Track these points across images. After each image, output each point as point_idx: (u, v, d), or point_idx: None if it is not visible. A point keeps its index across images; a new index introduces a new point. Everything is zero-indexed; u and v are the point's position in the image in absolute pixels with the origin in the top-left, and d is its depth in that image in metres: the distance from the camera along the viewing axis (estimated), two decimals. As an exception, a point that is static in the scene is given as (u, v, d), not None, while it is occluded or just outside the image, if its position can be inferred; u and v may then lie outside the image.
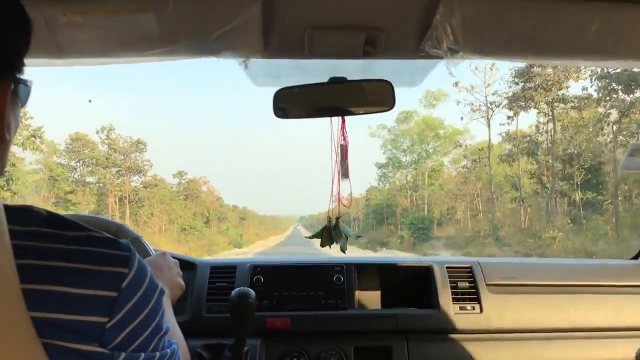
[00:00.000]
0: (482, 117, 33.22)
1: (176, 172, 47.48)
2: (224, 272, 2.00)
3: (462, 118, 36.03)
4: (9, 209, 0.62)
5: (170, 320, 1.07)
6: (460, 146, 38.24)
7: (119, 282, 0.67)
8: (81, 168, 36.10)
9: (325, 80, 1.58)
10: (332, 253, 2.00)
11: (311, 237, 1.79)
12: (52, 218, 0.69)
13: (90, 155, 35.64)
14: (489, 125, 33.28)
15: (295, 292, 1.95)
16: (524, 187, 31.02)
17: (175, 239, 35.98)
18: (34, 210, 0.69)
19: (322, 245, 1.74)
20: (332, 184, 1.69)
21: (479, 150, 35.61)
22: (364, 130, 46.03)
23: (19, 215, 0.66)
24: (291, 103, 1.65)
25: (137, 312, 0.69)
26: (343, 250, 1.76)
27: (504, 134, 31.09)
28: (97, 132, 36.12)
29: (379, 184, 50.36)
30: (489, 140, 34.21)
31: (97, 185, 36.28)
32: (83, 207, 32.45)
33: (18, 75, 0.73)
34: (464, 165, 40.73)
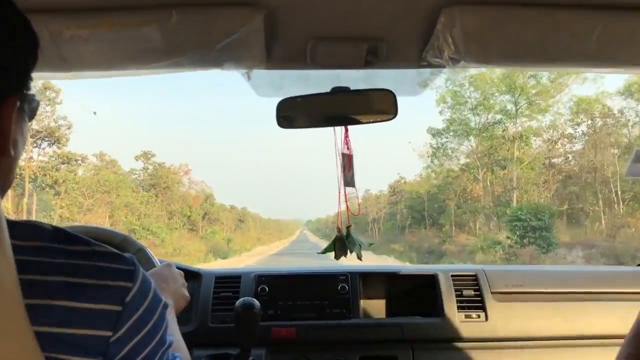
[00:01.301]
0: None
1: (140, 152, 35.21)
2: (229, 282, 2.00)
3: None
4: (13, 224, 0.63)
5: (174, 333, 1.08)
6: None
7: (123, 296, 0.68)
8: None
9: (328, 90, 1.59)
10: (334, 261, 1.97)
11: (324, 252, 1.78)
12: (57, 233, 0.70)
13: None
14: None
15: (300, 302, 1.95)
16: None
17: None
18: (39, 225, 0.70)
19: (337, 257, 1.73)
20: (339, 193, 1.69)
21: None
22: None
23: (24, 230, 0.67)
24: (294, 113, 1.66)
25: (141, 326, 0.70)
26: (359, 257, 1.75)
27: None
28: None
29: (432, 162, 32.97)
30: None
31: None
32: None
33: (25, 91, 0.73)
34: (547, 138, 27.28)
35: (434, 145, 32.18)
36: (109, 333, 0.66)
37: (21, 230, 0.65)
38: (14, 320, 0.54)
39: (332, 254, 1.76)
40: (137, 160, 35.09)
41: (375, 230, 54.34)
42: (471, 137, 30.42)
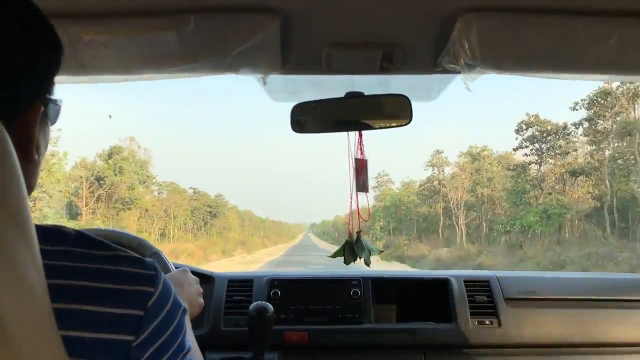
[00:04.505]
0: None
1: None
2: (242, 286, 2.01)
3: None
4: (39, 228, 0.63)
5: (190, 338, 1.08)
6: None
7: (145, 301, 0.68)
8: None
9: (342, 95, 1.59)
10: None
11: (333, 256, 1.78)
12: (80, 237, 0.70)
13: None
14: None
15: (313, 306, 1.95)
16: None
17: None
18: (63, 229, 0.71)
19: (346, 262, 1.73)
20: (351, 198, 1.69)
21: None
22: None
23: (49, 234, 0.67)
24: (308, 117, 1.67)
25: (162, 330, 0.70)
26: (367, 263, 1.75)
27: None
28: None
29: None
30: None
31: None
32: None
33: (48, 96, 0.74)
34: None
35: None
36: (132, 337, 0.66)
37: (46, 234, 0.66)
38: (43, 325, 0.55)
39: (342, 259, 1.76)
40: None
41: (459, 229, 32.55)
42: None
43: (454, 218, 34.65)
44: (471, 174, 34.40)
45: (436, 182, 38.34)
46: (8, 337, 0.48)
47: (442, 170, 38.71)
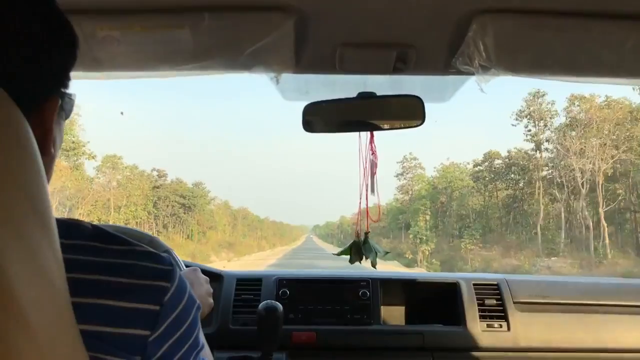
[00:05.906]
0: None
1: None
2: (250, 285, 2.01)
3: None
4: (57, 221, 0.63)
5: (200, 336, 1.08)
6: None
7: (162, 296, 0.68)
8: None
9: (354, 95, 1.59)
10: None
11: (339, 254, 1.78)
12: (97, 232, 0.70)
13: None
14: None
15: (321, 306, 1.95)
16: None
17: None
18: (80, 223, 0.71)
19: (352, 261, 1.73)
20: (360, 199, 1.68)
21: None
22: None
23: (66, 228, 0.67)
24: (320, 117, 1.66)
25: (178, 326, 0.70)
26: (374, 265, 1.75)
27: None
28: None
29: None
30: None
31: None
32: None
33: (64, 90, 0.74)
34: None
35: None
36: (147, 332, 0.66)
37: (63, 227, 0.66)
38: (63, 318, 0.55)
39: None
40: None
41: (594, 224, 19.88)
42: None
43: (568, 207, 21.06)
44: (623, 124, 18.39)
45: (523, 154, 25.89)
46: (28, 328, 0.48)
47: (546, 125, 23.93)
